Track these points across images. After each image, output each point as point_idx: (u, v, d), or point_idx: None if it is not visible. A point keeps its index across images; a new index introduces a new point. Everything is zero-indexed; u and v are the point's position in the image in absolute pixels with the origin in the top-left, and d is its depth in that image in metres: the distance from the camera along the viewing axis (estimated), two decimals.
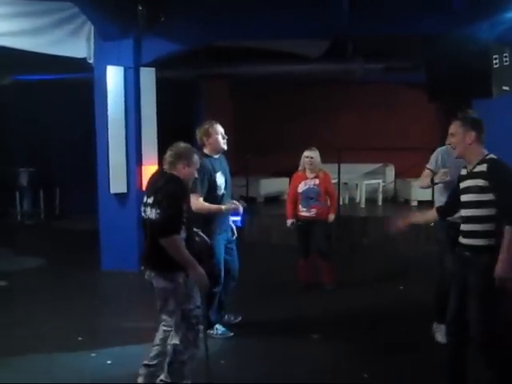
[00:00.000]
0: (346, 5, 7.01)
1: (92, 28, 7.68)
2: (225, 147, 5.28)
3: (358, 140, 12.03)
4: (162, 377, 3.96)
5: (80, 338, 5.21)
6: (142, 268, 4.01)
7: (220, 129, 5.25)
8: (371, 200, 11.34)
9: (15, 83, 10.57)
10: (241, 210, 5.18)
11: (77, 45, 7.69)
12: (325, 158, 11.18)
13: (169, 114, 8.25)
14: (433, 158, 5.17)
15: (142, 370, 4.06)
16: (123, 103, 7.73)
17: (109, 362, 4.77)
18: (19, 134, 11.69)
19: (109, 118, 7.69)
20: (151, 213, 3.83)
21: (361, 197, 11.27)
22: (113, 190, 7.81)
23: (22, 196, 12.19)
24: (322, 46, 9.58)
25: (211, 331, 5.25)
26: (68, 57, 7.72)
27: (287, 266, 7.02)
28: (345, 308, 6.20)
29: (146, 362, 4.07)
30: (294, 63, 10.00)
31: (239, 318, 5.72)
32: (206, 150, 5.22)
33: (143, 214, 3.94)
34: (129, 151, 7.83)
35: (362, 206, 11.14)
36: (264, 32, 7.65)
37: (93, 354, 4.89)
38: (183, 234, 3.81)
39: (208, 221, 5.10)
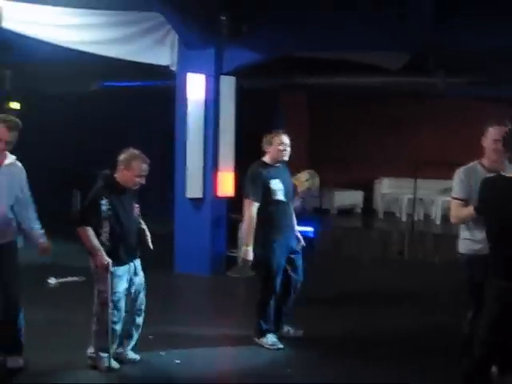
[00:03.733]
0: (431, 18, 6.89)
1: (176, 37, 7.91)
2: (285, 158, 5.22)
3: (436, 155, 11.73)
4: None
5: (151, 337, 5.33)
6: None
7: (283, 139, 5.17)
8: (448, 218, 11.00)
9: (102, 90, 10.98)
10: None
11: (161, 53, 7.94)
12: (402, 173, 10.94)
13: (247, 122, 8.34)
14: (455, 183, 4.30)
15: None
16: (203, 110, 7.91)
17: (177, 361, 4.91)
18: (102, 137, 12.06)
19: (188, 124, 7.87)
20: None
21: (436, 213, 11.01)
22: (189, 195, 7.98)
23: None
24: (402, 58, 9.45)
25: (263, 339, 5.21)
26: (152, 64, 7.98)
27: (357, 279, 6.93)
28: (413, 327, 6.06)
29: None
30: (374, 75, 9.88)
31: (300, 332, 5.50)
32: (265, 159, 5.24)
33: None
34: (206, 157, 7.98)
35: (438, 222, 10.88)
36: (345, 43, 7.65)
37: (162, 353, 5.03)
38: (105, 228, 4.38)
39: (264, 227, 5.06)
